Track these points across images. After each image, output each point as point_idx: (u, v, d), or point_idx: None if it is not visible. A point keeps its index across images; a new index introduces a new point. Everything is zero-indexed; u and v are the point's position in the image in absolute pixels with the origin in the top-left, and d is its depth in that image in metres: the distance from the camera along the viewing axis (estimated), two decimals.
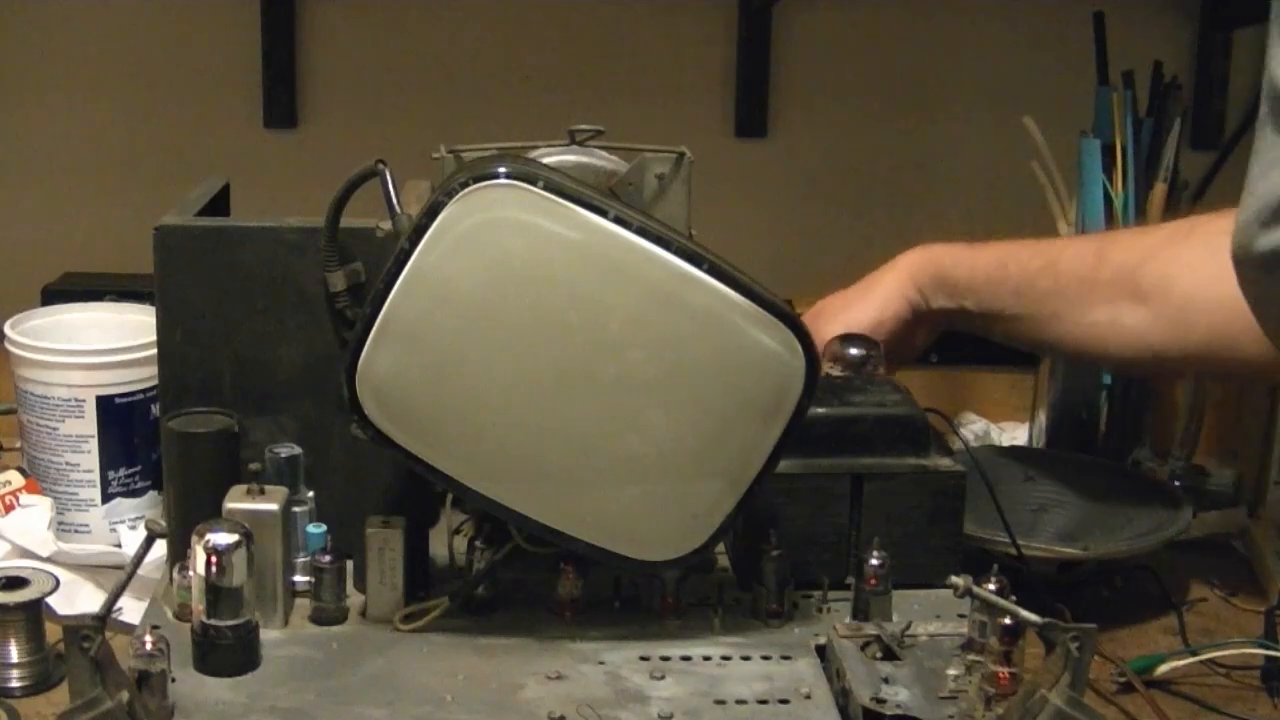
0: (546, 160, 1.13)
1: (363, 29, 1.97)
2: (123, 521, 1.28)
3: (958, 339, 1.66)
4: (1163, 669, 1.13)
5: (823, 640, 1.06)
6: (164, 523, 1.04)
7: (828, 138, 2.00)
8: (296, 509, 1.10)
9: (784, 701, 0.99)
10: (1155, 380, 1.46)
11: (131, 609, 1.12)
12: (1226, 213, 1.16)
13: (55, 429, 1.27)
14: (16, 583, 1.12)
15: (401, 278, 0.98)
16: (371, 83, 1.97)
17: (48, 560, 1.21)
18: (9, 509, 1.26)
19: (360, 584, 1.08)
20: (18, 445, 1.33)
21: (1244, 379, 1.39)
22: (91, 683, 0.89)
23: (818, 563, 1.12)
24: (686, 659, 1.04)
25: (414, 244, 0.98)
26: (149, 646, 0.94)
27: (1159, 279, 1.20)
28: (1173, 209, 1.44)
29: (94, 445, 1.27)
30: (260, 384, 1.14)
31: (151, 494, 1.29)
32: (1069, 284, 1.25)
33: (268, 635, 1.04)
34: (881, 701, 0.96)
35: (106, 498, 1.28)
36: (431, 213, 0.98)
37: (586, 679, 1.01)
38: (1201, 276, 1.15)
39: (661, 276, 0.99)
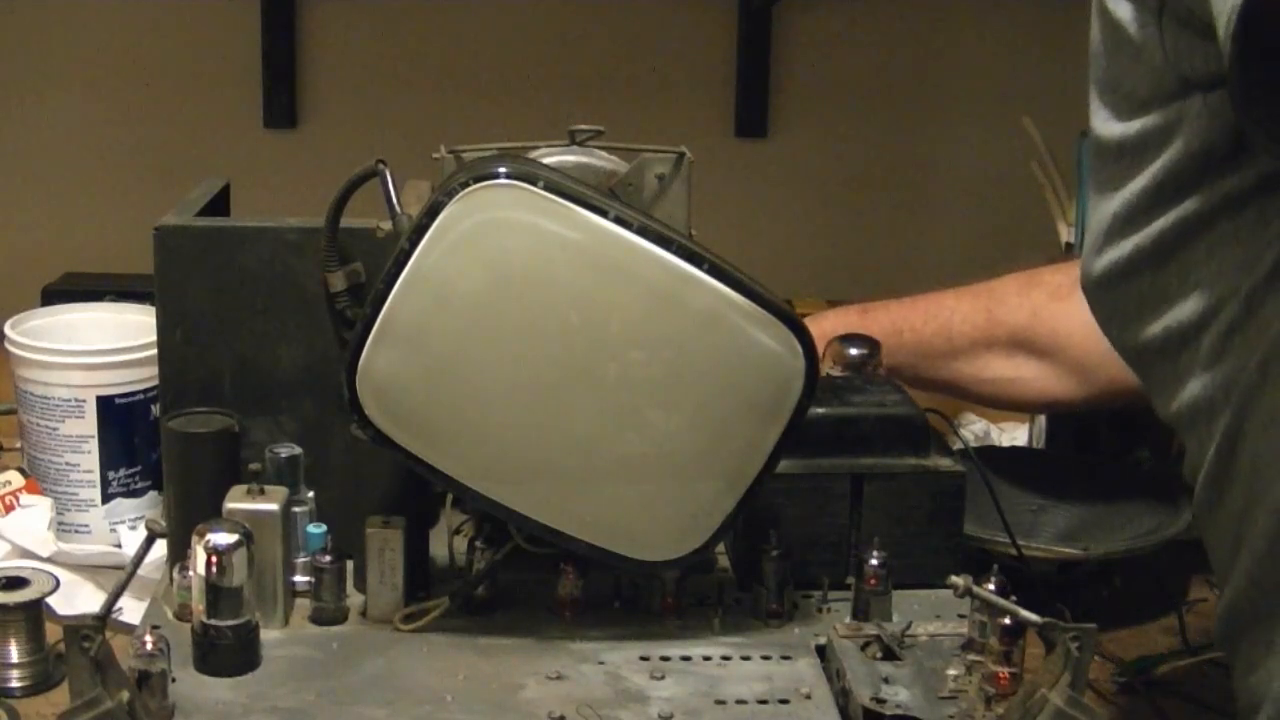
0: (546, 160, 1.13)
1: (363, 29, 1.97)
2: (123, 521, 1.28)
3: None
4: (1163, 669, 1.13)
5: (823, 640, 1.06)
6: (164, 523, 1.04)
7: (828, 138, 2.01)
8: (296, 509, 1.10)
9: (784, 701, 0.99)
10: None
11: (131, 609, 1.12)
12: None
13: (55, 429, 1.27)
14: (16, 583, 1.12)
15: (401, 278, 0.98)
16: (371, 83, 1.98)
17: (48, 560, 1.21)
18: (9, 509, 1.26)
19: (360, 584, 1.08)
20: (18, 445, 1.33)
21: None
22: (91, 683, 0.89)
23: (818, 563, 1.12)
24: (686, 659, 1.04)
25: (414, 244, 0.98)
26: (149, 646, 0.94)
27: (1051, 336, 1.28)
28: None
29: (94, 445, 1.27)
30: (260, 384, 1.14)
31: (151, 494, 1.29)
32: (964, 345, 1.33)
33: (268, 635, 1.04)
34: (881, 701, 0.96)
35: (106, 498, 1.28)
36: (431, 213, 0.98)
37: (586, 679, 1.01)
38: (1091, 330, 1.18)
39: (661, 276, 0.99)
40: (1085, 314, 1.18)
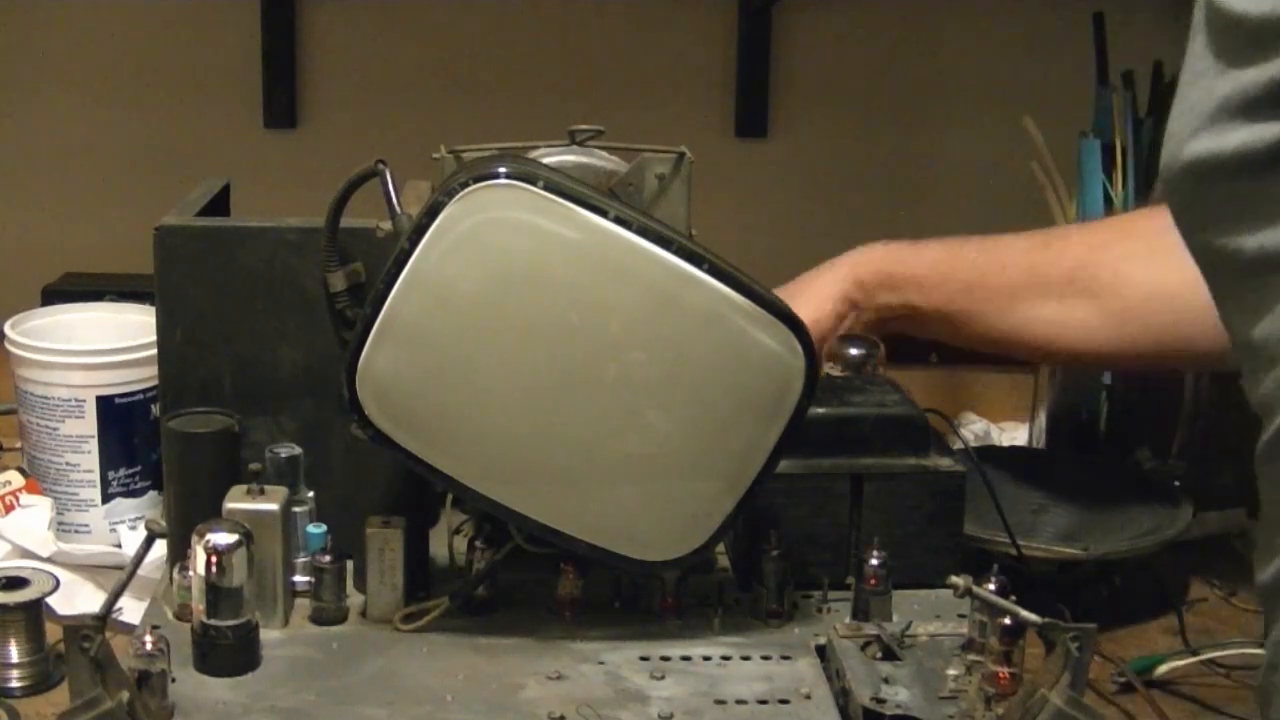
0: (546, 160, 1.13)
1: (363, 29, 1.97)
2: (123, 521, 1.28)
3: None
4: (1163, 669, 1.13)
5: (823, 640, 1.06)
6: (164, 523, 1.04)
7: (828, 138, 2.00)
8: (296, 509, 1.10)
9: (784, 701, 0.99)
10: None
11: (131, 609, 1.12)
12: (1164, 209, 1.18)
13: (55, 429, 1.27)
14: (16, 583, 1.12)
15: (401, 278, 0.98)
16: (371, 83, 1.97)
17: (48, 560, 1.21)
18: (9, 509, 1.26)
19: (360, 584, 1.08)
20: (18, 445, 1.33)
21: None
22: (91, 683, 0.89)
23: (818, 563, 1.12)
24: (686, 659, 1.04)
25: (414, 244, 0.98)
26: (149, 646, 0.94)
27: (1110, 276, 1.20)
28: None
29: (94, 445, 1.27)
30: (260, 384, 1.14)
31: (151, 494, 1.29)
32: (1019, 280, 1.24)
33: (268, 635, 1.04)
34: (881, 701, 0.96)
35: (106, 498, 1.28)
36: (431, 213, 0.98)
37: (586, 679, 1.01)
38: (1152, 275, 1.15)
39: (661, 276, 0.99)
40: (1145, 254, 1.16)
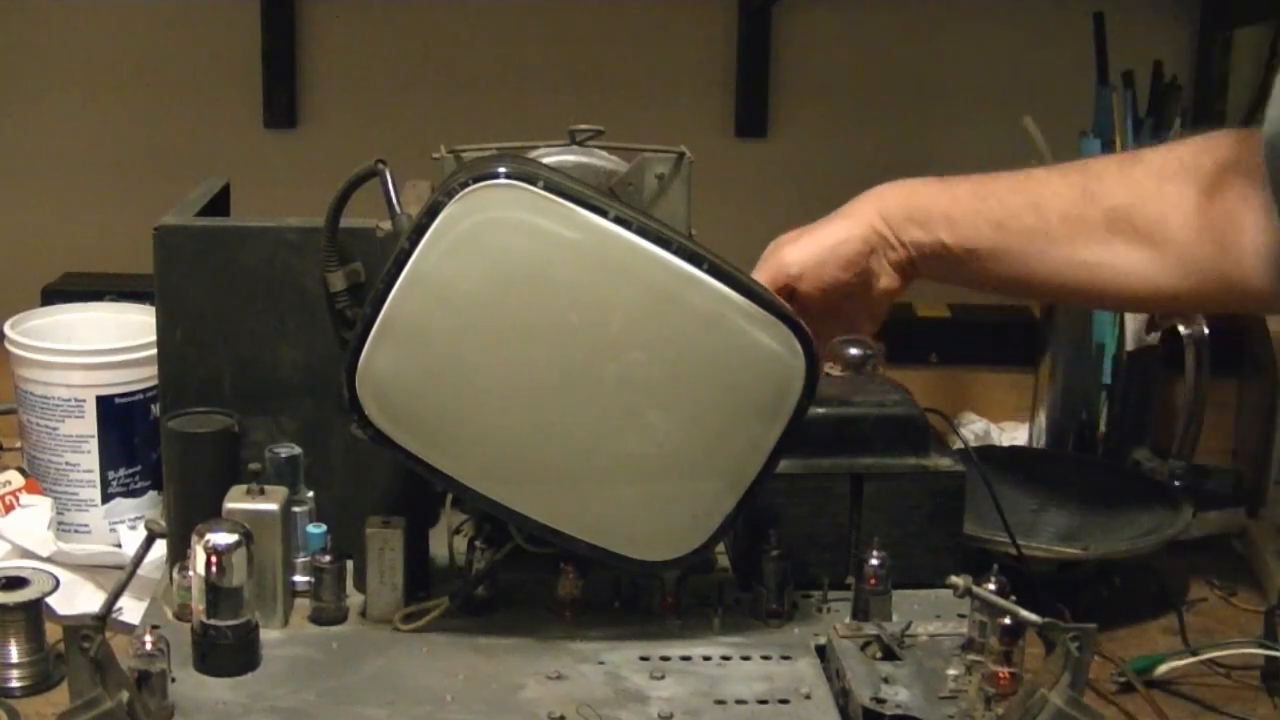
0: (546, 160, 1.13)
1: (363, 29, 1.97)
2: (123, 521, 1.28)
3: (958, 339, 1.66)
4: (1163, 669, 1.13)
5: (823, 640, 1.06)
6: (164, 523, 1.04)
7: (828, 138, 2.00)
8: (296, 509, 1.10)
9: (784, 701, 0.99)
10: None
11: (131, 609, 1.12)
12: (1214, 142, 1.14)
13: (55, 429, 1.27)
14: (16, 583, 1.12)
15: (401, 278, 0.98)
16: (371, 83, 1.97)
17: (48, 560, 1.21)
18: (9, 509, 1.26)
19: (360, 584, 1.08)
20: (18, 445, 1.33)
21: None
22: (91, 683, 0.89)
23: (818, 563, 1.12)
24: (686, 659, 1.04)
25: (414, 244, 0.98)
26: (149, 646, 0.94)
27: (1156, 220, 1.14)
28: None
29: (94, 445, 1.27)
30: (260, 384, 1.14)
31: (151, 494, 1.29)
32: (1057, 221, 1.17)
33: (268, 635, 1.04)
34: (881, 701, 0.96)
35: (106, 498, 1.28)
36: (431, 213, 0.98)
37: (586, 679, 1.01)
38: (1201, 218, 1.11)
39: (661, 276, 0.99)
40: (1192, 195, 1.11)
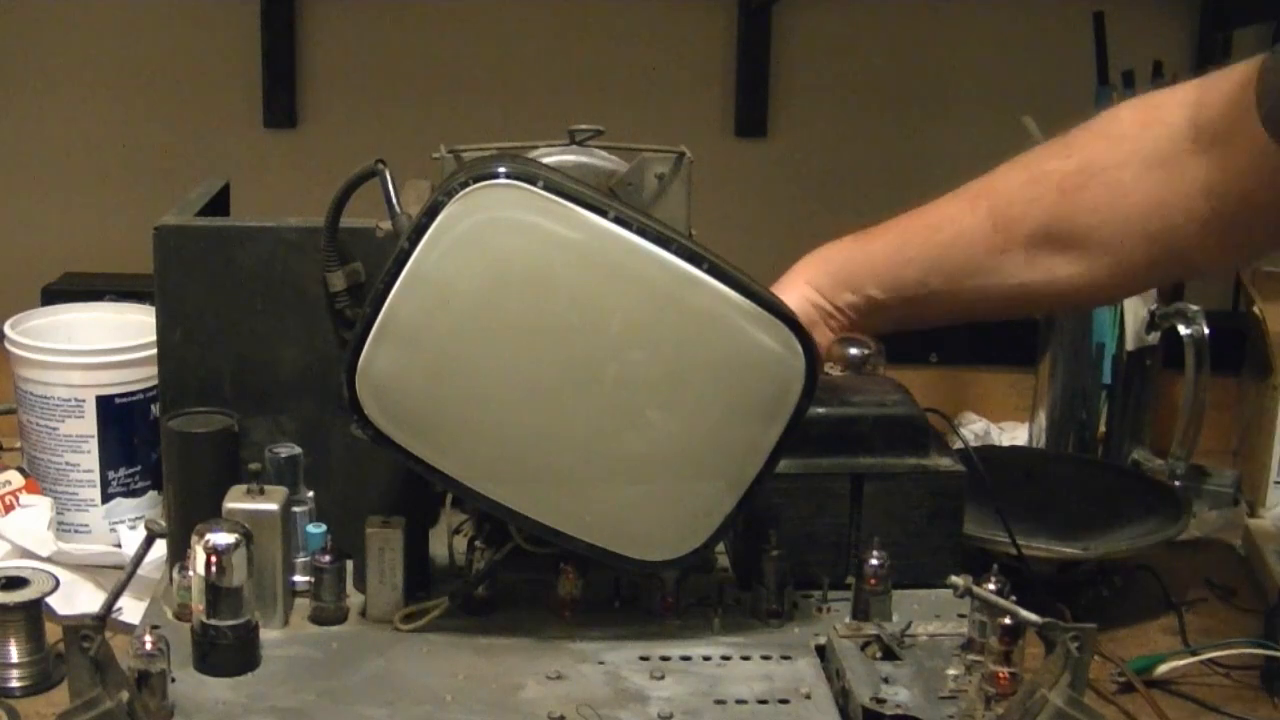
0: (546, 160, 1.13)
1: (363, 29, 1.97)
2: (123, 521, 1.28)
3: (958, 339, 1.66)
4: (1163, 669, 1.13)
5: (823, 640, 1.06)
6: (164, 523, 1.04)
7: (828, 138, 2.00)
8: (296, 509, 1.10)
9: (784, 701, 0.99)
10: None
11: (131, 609, 1.12)
12: (1111, 124, 1.17)
13: (55, 429, 1.27)
14: (16, 583, 1.12)
15: (401, 278, 0.98)
16: (371, 83, 1.97)
17: (48, 560, 1.21)
18: (9, 509, 1.26)
19: (360, 584, 1.08)
20: (18, 445, 1.33)
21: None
22: (91, 683, 0.89)
23: (818, 563, 1.12)
24: (686, 659, 1.04)
25: (414, 244, 0.98)
26: (149, 646, 0.94)
27: (1075, 232, 1.17)
28: None
29: (94, 445, 1.27)
30: (260, 384, 1.14)
31: (151, 494, 1.29)
32: (978, 254, 1.20)
33: (268, 635, 1.04)
34: (881, 701, 0.96)
35: (106, 498, 1.28)
36: (431, 213, 0.98)
37: (586, 679, 1.01)
38: (1125, 220, 1.14)
39: (661, 276, 0.99)
40: (1105, 201, 1.14)
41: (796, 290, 1.25)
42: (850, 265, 1.25)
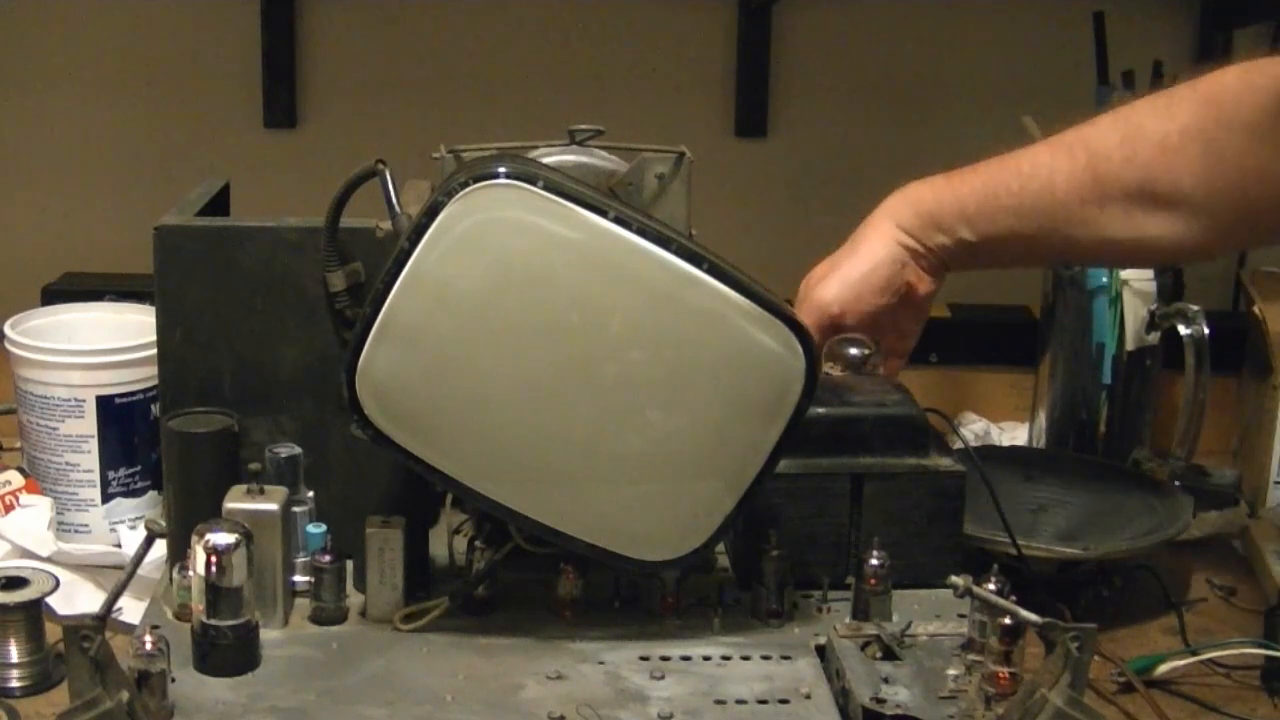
0: (546, 160, 1.13)
1: (363, 29, 1.97)
2: (123, 521, 1.28)
3: (958, 339, 1.66)
4: (1163, 669, 1.13)
5: (823, 640, 1.06)
6: (164, 523, 1.04)
7: (828, 138, 2.00)
8: (296, 509, 1.10)
9: (784, 701, 0.99)
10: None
11: (131, 609, 1.12)
12: (1208, 91, 1.17)
13: (55, 429, 1.27)
14: (16, 583, 1.12)
15: (401, 278, 0.98)
16: (371, 83, 1.97)
17: (48, 560, 1.21)
18: (9, 509, 1.26)
19: (360, 584, 1.08)
20: (18, 445, 1.33)
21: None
22: (91, 683, 0.89)
23: (818, 563, 1.12)
24: (686, 659, 1.04)
25: (414, 244, 0.98)
26: (149, 646, 0.94)
27: (1171, 192, 1.17)
28: None
29: (94, 445, 1.27)
30: (260, 384, 1.14)
31: (151, 494, 1.29)
32: (1072, 204, 1.20)
33: (268, 635, 1.04)
34: (881, 701, 0.96)
35: (106, 498, 1.28)
36: (431, 213, 0.98)
37: (586, 679, 1.01)
38: (1221, 183, 1.15)
39: (661, 276, 0.99)
40: (1203, 164, 1.15)
41: (885, 230, 1.25)
42: (941, 206, 1.24)
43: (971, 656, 1.01)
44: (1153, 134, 1.18)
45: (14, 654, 1.10)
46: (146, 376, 1.26)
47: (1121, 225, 1.19)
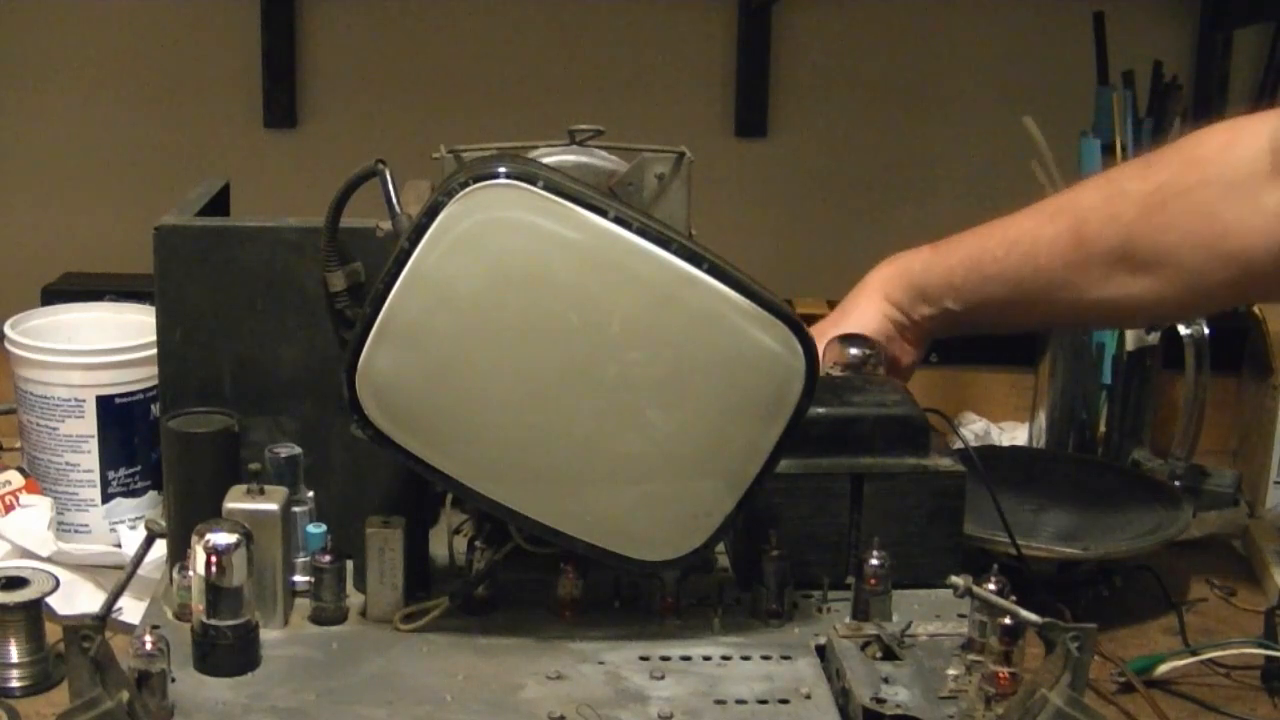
0: (546, 160, 1.13)
1: (363, 29, 1.97)
2: (123, 521, 1.28)
3: (958, 339, 1.66)
4: (1163, 669, 1.13)
5: (823, 640, 1.06)
6: (164, 523, 1.04)
7: (828, 138, 2.01)
8: (296, 509, 1.10)
9: (784, 701, 0.99)
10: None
11: (131, 609, 1.12)
12: (1189, 153, 1.18)
13: (55, 429, 1.27)
14: (16, 583, 1.12)
15: (401, 278, 0.98)
16: (371, 83, 1.97)
17: (48, 560, 1.21)
18: (9, 509, 1.26)
19: (360, 584, 1.08)
20: (18, 445, 1.33)
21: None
22: (91, 683, 0.89)
23: (818, 563, 1.12)
24: (686, 659, 1.04)
25: (414, 244, 0.98)
26: (149, 646, 0.94)
27: (1153, 251, 1.18)
28: None
29: (94, 445, 1.27)
30: (260, 384, 1.14)
31: (151, 494, 1.29)
32: (1055, 268, 1.22)
33: (268, 635, 1.04)
34: (881, 701, 0.96)
35: (106, 498, 1.28)
36: (431, 213, 0.98)
37: (586, 679, 1.01)
38: (1203, 241, 1.15)
39: (661, 276, 0.99)
40: (1184, 221, 1.16)
41: (875, 305, 1.28)
42: (928, 278, 1.27)
43: (971, 656, 1.01)
44: (1134, 194, 1.20)
45: (14, 654, 1.10)
46: (146, 376, 1.26)
47: (1104, 287, 1.21)
